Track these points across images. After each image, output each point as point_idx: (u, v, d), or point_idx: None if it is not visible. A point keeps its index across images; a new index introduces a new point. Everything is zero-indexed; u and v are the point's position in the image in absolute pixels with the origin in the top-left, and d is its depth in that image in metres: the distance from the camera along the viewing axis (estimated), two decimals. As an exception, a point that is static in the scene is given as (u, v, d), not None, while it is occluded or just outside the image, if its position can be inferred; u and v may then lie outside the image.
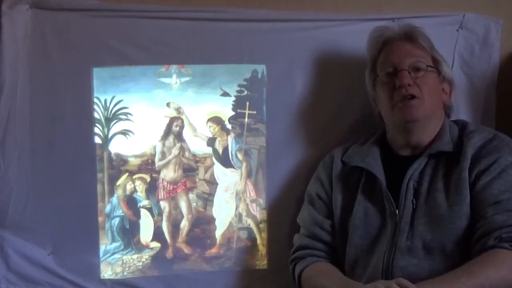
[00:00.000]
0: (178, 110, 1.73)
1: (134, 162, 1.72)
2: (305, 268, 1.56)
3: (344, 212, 1.56)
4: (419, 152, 1.52)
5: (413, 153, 1.53)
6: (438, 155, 1.49)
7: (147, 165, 1.73)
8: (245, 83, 1.74)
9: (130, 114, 1.71)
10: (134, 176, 1.73)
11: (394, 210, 1.47)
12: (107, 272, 1.74)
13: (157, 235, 1.75)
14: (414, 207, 1.46)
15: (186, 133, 1.74)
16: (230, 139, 1.75)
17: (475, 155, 1.45)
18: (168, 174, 1.74)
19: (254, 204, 1.78)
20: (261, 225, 1.78)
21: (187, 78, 1.72)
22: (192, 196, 1.76)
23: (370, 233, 1.50)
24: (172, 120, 1.73)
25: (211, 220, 1.76)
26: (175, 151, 1.74)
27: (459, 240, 1.41)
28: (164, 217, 1.75)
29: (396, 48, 1.54)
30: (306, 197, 1.67)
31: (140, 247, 1.75)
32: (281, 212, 1.77)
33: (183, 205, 1.76)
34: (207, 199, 1.76)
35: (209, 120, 1.74)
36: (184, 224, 1.76)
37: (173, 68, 1.71)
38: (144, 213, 1.75)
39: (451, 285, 1.30)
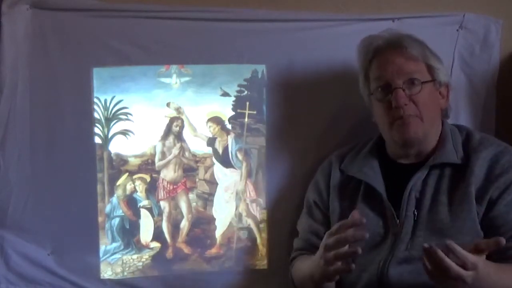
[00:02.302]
0: (178, 110, 1.73)
1: (134, 162, 1.72)
2: (294, 263, 1.60)
3: (342, 218, 1.54)
4: (420, 160, 1.50)
5: (415, 161, 1.51)
6: (442, 165, 1.47)
7: (147, 165, 1.73)
8: (245, 83, 1.74)
9: (130, 114, 1.71)
10: (134, 176, 1.73)
11: (395, 220, 1.46)
12: (107, 272, 1.74)
13: (157, 235, 1.75)
14: (416, 218, 1.44)
15: (186, 133, 1.74)
16: (230, 139, 1.75)
17: (488, 171, 1.42)
18: (168, 174, 1.74)
19: (254, 204, 1.78)
20: (261, 225, 1.78)
21: (187, 78, 1.72)
22: (192, 196, 1.76)
23: (369, 240, 1.47)
24: (172, 120, 1.73)
25: (211, 220, 1.77)
26: (175, 151, 1.74)
27: None
28: (164, 217, 1.75)
29: (387, 62, 1.48)
30: (305, 203, 1.67)
31: (140, 247, 1.75)
32: (281, 212, 1.77)
33: (183, 205, 1.76)
34: (207, 199, 1.76)
35: (209, 120, 1.74)
36: (184, 224, 1.76)
37: (173, 68, 1.71)
38: (144, 213, 1.75)
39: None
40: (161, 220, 1.75)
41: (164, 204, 1.75)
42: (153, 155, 1.73)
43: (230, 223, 1.77)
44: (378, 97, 1.50)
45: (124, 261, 1.74)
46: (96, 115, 1.69)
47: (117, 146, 1.71)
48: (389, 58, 1.49)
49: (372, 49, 1.53)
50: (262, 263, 1.79)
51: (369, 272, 1.46)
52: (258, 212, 1.78)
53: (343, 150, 1.65)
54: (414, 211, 1.45)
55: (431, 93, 1.49)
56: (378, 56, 1.51)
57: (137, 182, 1.73)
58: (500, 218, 1.40)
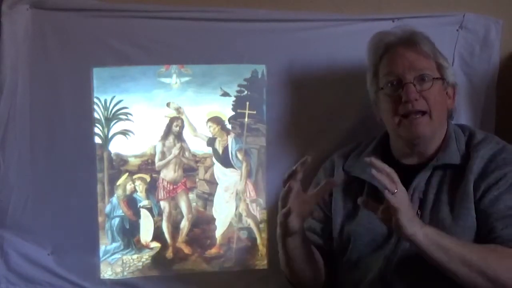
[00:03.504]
0: (178, 110, 1.73)
1: (134, 162, 1.72)
2: None
3: (346, 219, 1.55)
4: (424, 160, 1.50)
5: (418, 162, 1.50)
6: (445, 166, 1.47)
7: (147, 165, 1.73)
8: (245, 83, 1.74)
9: (130, 114, 1.71)
10: (134, 176, 1.73)
11: None
12: (107, 272, 1.74)
13: (157, 235, 1.75)
14: (419, 218, 1.45)
15: (186, 133, 1.74)
16: (230, 139, 1.75)
17: (484, 168, 1.43)
18: (168, 174, 1.74)
19: (254, 204, 1.78)
20: (261, 225, 1.78)
21: (187, 78, 1.72)
22: (192, 196, 1.76)
23: (374, 241, 1.49)
24: (172, 120, 1.73)
25: (211, 220, 1.77)
26: (175, 151, 1.74)
27: None
28: (164, 217, 1.75)
29: (399, 57, 1.48)
30: None
31: (140, 247, 1.75)
32: (281, 212, 1.77)
33: (183, 205, 1.76)
34: (207, 199, 1.76)
35: (209, 120, 1.74)
36: (184, 224, 1.76)
37: (173, 68, 1.71)
38: (144, 213, 1.75)
39: (456, 244, 1.31)
40: (161, 220, 1.75)
41: (164, 204, 1.75)
42: (153, 155, 1.73)
43: (230, 223, 1.77)
44: (388, 92, 1.49)
45: (124, 261, 1.74)
46: (96, 115, 1.69)
47: (117, 146, 1.71)
48: (400, 53, 1.49)
49: (383, 44, 1.52)
50: (262, 263, 1.79)
51: (373, 271, 1.46)
52: (258, 212, 1.78)
53: (345, 150, 1.64)
54: (417, 211, 1.45)
55: (440, 91, 1.49)
56: (390, 51, 1.51)
57: (137, 182, 1.73)
58: (484, 213, 1.40)
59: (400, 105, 1.46)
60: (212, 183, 1.76)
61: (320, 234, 1.58)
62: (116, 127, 1.71)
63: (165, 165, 1.74)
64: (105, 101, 1.69)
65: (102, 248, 1.73)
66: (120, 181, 1.72)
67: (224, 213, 1.77)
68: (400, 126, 1.47)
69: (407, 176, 1.47)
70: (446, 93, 1.53)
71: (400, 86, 1.47)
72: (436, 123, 1.47)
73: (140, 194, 1.74)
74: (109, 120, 1.70)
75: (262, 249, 1.79)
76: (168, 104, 1.72)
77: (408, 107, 1.45)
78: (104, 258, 1.73)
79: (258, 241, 1.79)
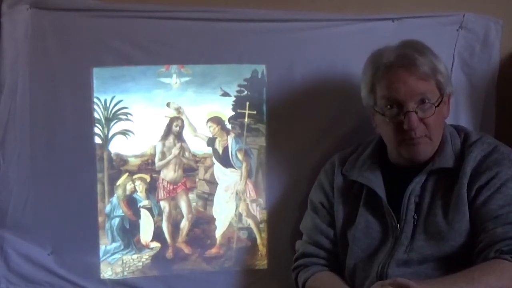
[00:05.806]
0: (178, 110, 1.73)
1: (134, 162, 1.72)
2: (309, 277, 1.56)
3: (345, 223, 1.56)
4: (421, 164, 1.49)
5: (414, 166, 1.50)
6: (440, 170, 1.47)
7: (147, 165, 1.73)
8: (245, 83, 1.74)
9: (130, 114, 1.71)
10: (134, 176, 1.73)
11: (395, 224, 1.46)
12: (107, 272, 1.74)
13: (157, 235, 1.75)
14: (415, 222, 1.45)
15: (186, 133, 1.74)
16: (230, 139, 1.75)
17: (475, 169, 1.43)
18: (168, 174, 1.74)
19: (254, 204, 1.78)
20: (261, 225, 1.78)
21: (187, 78, 1.72)
22: (192, 196, 1.76)
23: (370, 246, 1.50)
24: (172, 120, 1.73)
25: (211, 220, 1.77)
26: (175, 151, 1.74)
27: (458, 257, 1.41)
28: (164, 217, 1.75)
29: (400, 82, 1.43)
30: (309, 205, 1.66)
31: (140, 247, 1.75)
32: (281, 212, 1.77)
33: (183, 205, 1.76)
34: (207, 199, 1.76)
35: (209, 120, 1.74)
36: (184, 224, 1.76)
37: (173, 68, 1.71)
38: (144, 213, 1.75)
39: None
40: (161, 220, 1.75)
41: (164, 204, 1.75)
42: (153, 155, 1.73)
43: (230, 223, 1.77)
44: (389, 115, 1.46)
45: (124, 261, 1.74)
46: (96, 115, 1.69)
47: (117, 146, 1.71)
48: (401, 77, 1.44)
49: (383, 64, 1.47)
50: (262, 263, 1.79)
51: (371, 277, 1.47)
52: (258, 212, 1.78)
53: (345, 152, 1.64)
54: (414, 215, 1.45)
55: (440, 110, 1.47)
56: (389, 73, 1.45)
57: (137, 182, 1.73)
58: (477, 214, 1.41)
59: (401, 131, 1.44)
60: (212, 183, 1.76)
61: (332, 239, 1.59)
62: (116, 127, 1.71)
63: (165, 165, 1.74)
64: (105, 101, 1.69)
65: (102, 248, 1.73)
66: (120, 181, 1.72)
67: (224, 213, 1.77)
68: (401, 147, 1.46)
69: (404, 179, 1.48)
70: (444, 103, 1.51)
71: (400, 111, 1.44)
72: (436, 143, 1.47)
73: (140, 194, 1.74)
74: (109, 120, 1.70)
75: (262, 249, 1.79)
76: (168, 104, 1.72)
77: (411, 134, 1.43)
78: (104, 258, 1.73)
79: (258, 241, 1.79)
